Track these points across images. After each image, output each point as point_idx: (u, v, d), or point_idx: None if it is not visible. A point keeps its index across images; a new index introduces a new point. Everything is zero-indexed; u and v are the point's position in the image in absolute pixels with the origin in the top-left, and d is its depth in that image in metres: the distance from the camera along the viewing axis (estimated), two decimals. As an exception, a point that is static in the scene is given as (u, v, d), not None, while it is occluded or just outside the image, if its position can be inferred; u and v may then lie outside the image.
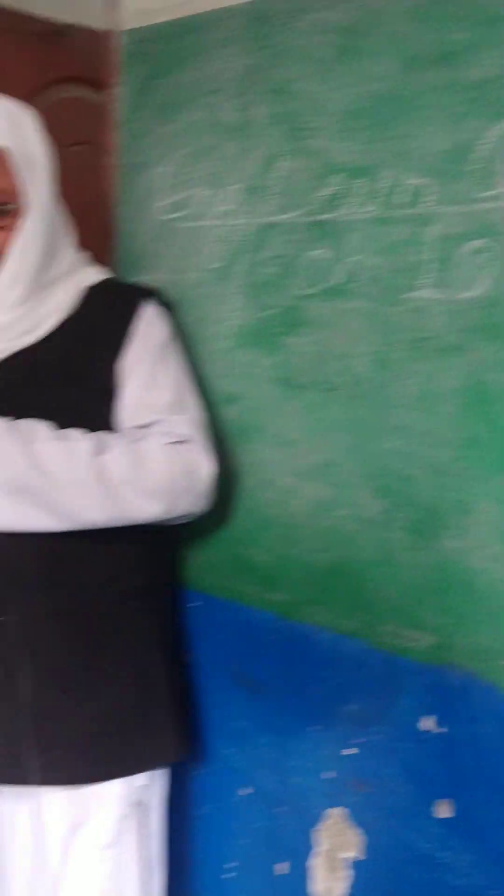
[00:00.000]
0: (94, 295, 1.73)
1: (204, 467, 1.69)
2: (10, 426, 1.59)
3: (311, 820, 1.76)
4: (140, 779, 1.71)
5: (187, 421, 1.70)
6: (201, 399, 1.77)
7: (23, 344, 1.67)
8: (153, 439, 1.66)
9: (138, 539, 1.70)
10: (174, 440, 1.67)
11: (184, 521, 1.72)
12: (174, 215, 1.90)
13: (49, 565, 1.64)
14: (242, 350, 1.80)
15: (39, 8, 2.98)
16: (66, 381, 1.66)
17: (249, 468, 1.80)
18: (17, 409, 1.62)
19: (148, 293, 1.77)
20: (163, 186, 1.91)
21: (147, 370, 1.70)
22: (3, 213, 1.65)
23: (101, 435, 1.64)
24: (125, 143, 1.98)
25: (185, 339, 1.84)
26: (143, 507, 1.63)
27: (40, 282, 1.67)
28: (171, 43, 1.88)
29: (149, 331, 1.72)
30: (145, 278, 1.92)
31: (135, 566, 1.72)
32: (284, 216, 1.72)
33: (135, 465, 1.62)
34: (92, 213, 1.95)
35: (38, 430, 1.60)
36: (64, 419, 1.63)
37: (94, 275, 1.76)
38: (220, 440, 1.83)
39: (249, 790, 1.85)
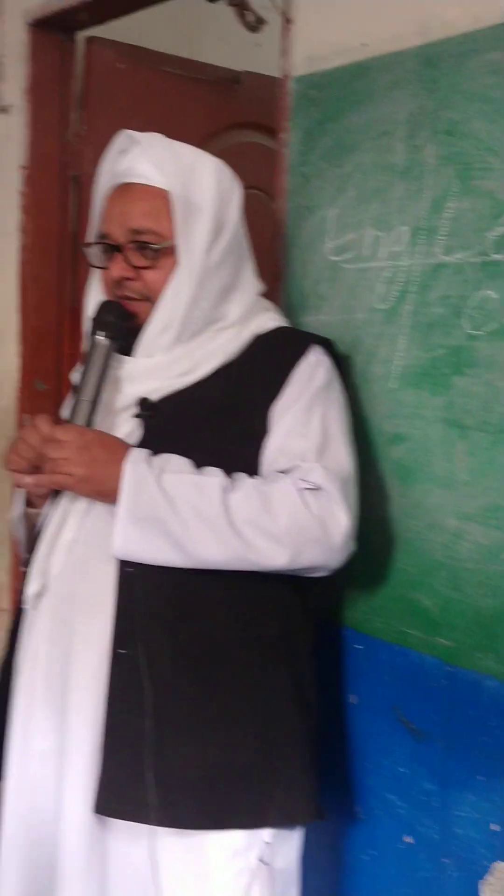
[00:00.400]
0: (262, 342, 1.72)
1: (337, 519, 1.59)
2: (146, 455, 1.61)
3: (477, 873, 1.71)
4: (264, 835, 1.63)
5: (324, 470, 1.61)
6: (352, 452, 1.68)
7: (180, 385, 1.68)
8: (285, 483, 1.59)
9: (276, 588, 1.65)
10: (307, 487, 1.59)
11: (319, 574, 1.64)
12: (342, 257, 1.91)
13: (179, 603, 1.62)
14: (409, 390, 1.78)
15: (214, 56, 3.06)
16: (217, 423, 1.66)
17: (415, 510, 1.78)
18: (166, 447, 1.63)
19: (316, 340, 1.73)
20: (331, 228, 1.93)
21: (296, 416, 1.65)
22: (153, 253, 1.67)
23: (236, 475, 1.61)
24: (294, 187, 2.00)
25: (352, 384, 1.83)
26: (266, 552, 1.57)
27: (197, 326, 1.68)
28: (340, 88, 1.90)
29: (307, 377, 1.67)
30: (313, 319, 1.94)
31: (270, 615, 1.66)
32: (453, 257, 1.71)
33: (261, 507, 1.57)
34: (262, 256, 1.97)
35: (172, 462, 1.60)
36: (210, 461, 1.62)
37: (270, 322, 1.75)
38: (385, 481, 1.81)
39: (411, 839, 1.81)
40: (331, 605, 1.91)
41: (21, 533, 1.86)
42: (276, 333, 1.74)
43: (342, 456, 1.65)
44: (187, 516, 1.56)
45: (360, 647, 1.88)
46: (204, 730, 1.61)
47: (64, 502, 1.69)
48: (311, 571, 1.62)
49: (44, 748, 1.69)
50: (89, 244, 1.75)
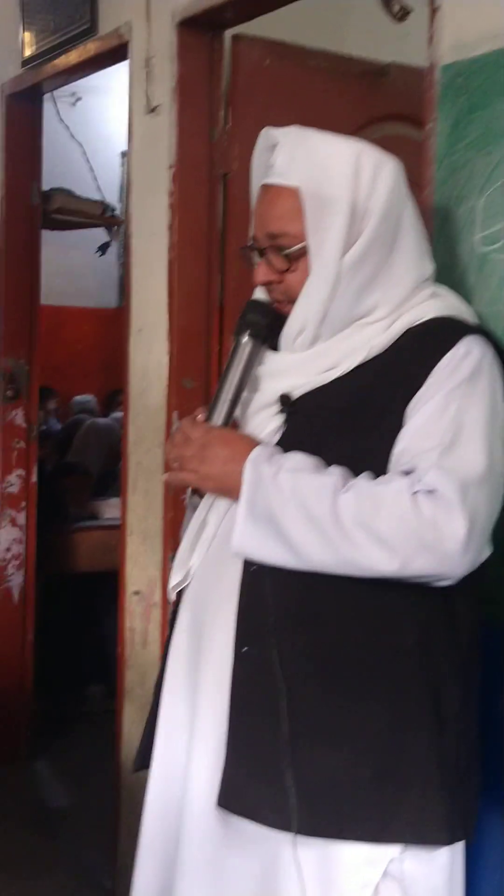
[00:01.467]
0: (413, 334, 1.63)
1: (452, 525, 1.47)
2: (268, 454, 1.58)
3: None
4: (393, 850, 1.58)
5: (440, 472, 1.49)
6: (492, 452, 1.53)
7: (322, 381, 1.65)
8: (399, 484, 1.50)
9: (412, 596, 1.56)
10: (422, 489, 1.49)
11: (442, 583, 1.53)
12: (492, 247, 1.87)
13: (305, 605, 1.59)
14: None
15: (360, 49, 3.04)
16: (352, 421, 1.61)
17: None
18: (303, 444, 1.61)
19: (470, 331, 1.61)
20: (480, 219, 1.89)
21: (429, 413, 1.55)
22: (287, 257, 1.64)
23: (349, 475, 1.55)
24: (442, 178, 1.97)
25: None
26: (373, 556, 1.49)
27: (337, 325, 1.64)
28: (488, 74, 1.85)
29: (450, 370, 1.56)
30: (461, 312, 1.90)
31: (404, 624, 1.58)
32: None
33: (371, 509, 1.49)
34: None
35: (292, 460, 1.57)
36: (342, 460, 1.57)
37: (428, 312, 1.65)
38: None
39: None
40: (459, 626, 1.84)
41: (186, 519, 1.88)
42: (428, 325, 1.63)
43: (472, 456, 1.51)
44: (297, 517, 1.53)
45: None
46: (331, 736, 1.58)
47: (208, 498, 1.71)
48: (429, 580, 1.52)
49: (178, 740, 1.72)
50: (243, 248, 1.74)
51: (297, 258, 1.64)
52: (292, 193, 1.62)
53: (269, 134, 1.68)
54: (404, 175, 1.67)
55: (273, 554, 1.56)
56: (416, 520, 1.47)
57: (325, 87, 2.90)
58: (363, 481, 1.53)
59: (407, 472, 1.53)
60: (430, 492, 1.48)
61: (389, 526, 1.48)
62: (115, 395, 6.19)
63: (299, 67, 2.87)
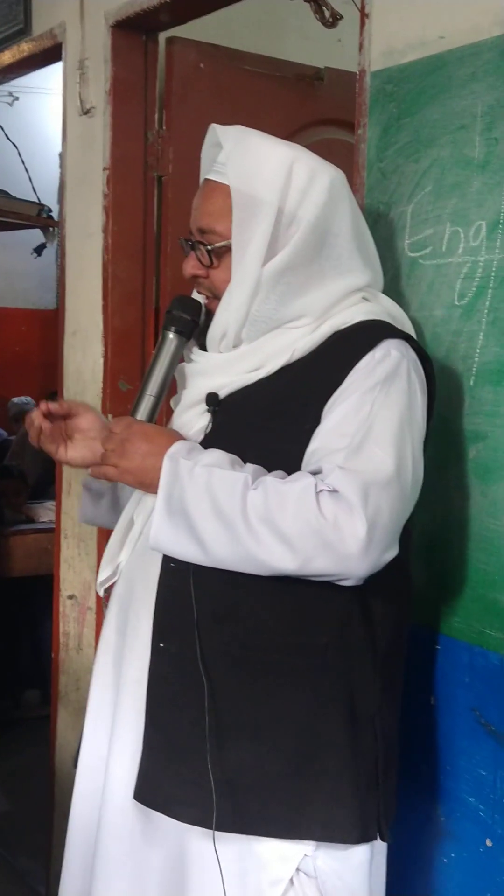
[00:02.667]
0: (339, 337, 1.63)
1: (352, 526, 1.47)
2: (187, 449, 1.59)
3: None
4: (306, 847, 1.60)
5: (343, 473, 1.49)
6: (400, 455, 1.53)
7: (247, 380, 1.66)
8: (305, 483, 1.50)
9: (328, 595, 1.57)
10: (327, 488, 1.49)
11: (347, 583, 1.53)
12: (420, 253, 1.89)
13: (222, 602, 1.60)
14: (488, 388, 1.76)
15: (296, 53, 3.05)
16: (272, 420, 1.62)
17: (494, 508, 1.75)
18: (227, 443, 1.62)
19: (392, 335, 1.61)
20: (409, 224, 1.90)
21: (342, 413, 1.55)
22: (210, 254, 1.64)
23: (262, 472, 1.56)
24: (372, 183, 1.98)
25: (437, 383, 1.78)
26: (275, 553, 1.49)
27: (261, 327, 1.64)
28: (417, 82, 1.87)
29: (366, 372, 1.57)
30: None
31: (320, 623, 1.59)
32: (533, 251, 1.67)
33: (276, 506, 1.49)
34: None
35: (210, 457, 1.58)
36: (261, 459, 1.58)
37: (357, 316, 1.64)
38: (464, 479, 1.79)
39: (491, 843, 1.78)
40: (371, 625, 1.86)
41: (84, 497, 1.93)
42: (355, 328, 1.63)
43: (380, 458, 1.52)
44: (207, 512, 1.53)
45: (439, 647, 1.86)
46: (245, 733, 1.59)
47: (136, 495, 1.72)
48: (331, 579, 1.52)
49: (103, 734, 1.75)
50: (181, 239, 1.73)
51: (220, 255, 1.65)
52: (225, 191, 1.63)
53: (212, 129, 1.69)
54: (344, 184, 1.67)
55: (185, 549, 1.56)
56: (318, 519, 1.48)
57: (260, 90, 2.91)
58: (272, 479, 1.53)
59: (315, 472, 1.53)
60: (333, 492, 1.49)
61: (292, 524, 1.49)
62: (53, 396, 6.12)
63: (234, 70, 2.87)
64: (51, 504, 4.64)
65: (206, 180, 1.68)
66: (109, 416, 2.84)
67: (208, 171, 1.68)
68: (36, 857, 3.28)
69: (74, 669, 3.02)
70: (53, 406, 1.77)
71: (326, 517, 1.47)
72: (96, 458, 1.72)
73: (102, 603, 2.84)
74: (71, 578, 3.04)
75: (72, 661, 3.04)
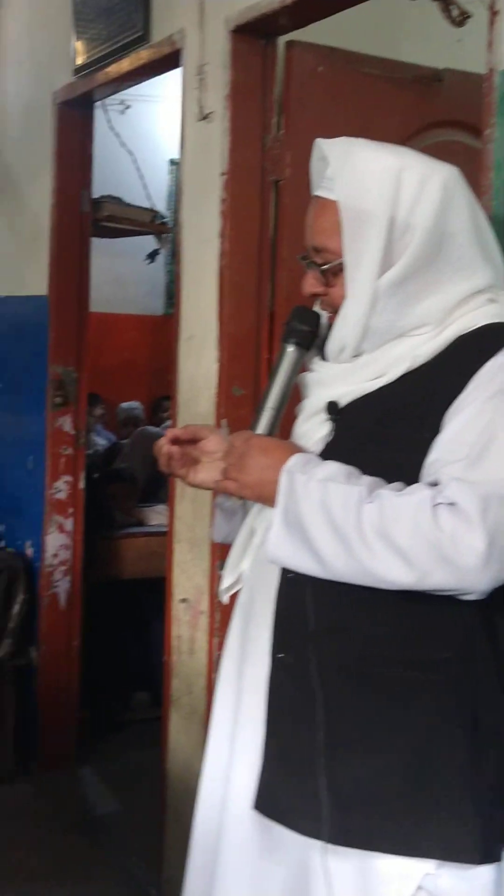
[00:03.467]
0: (462, 342, 1.58)
1: (470, 540, 1.43)
2: (304, 462, 1.58)
3: None
4: (428, 865, 1.55)
5: (461, 485, 1.45)
6: None
7: (368, 388, 1.63)
8: (422, 496, 1.47)
9: (450, 609, 1.53)
10: (445, 501, 1.46)
11: (468, 597, 1.49)
12: (550, 255, 1.83)
13: (339, 613, 1.59)
14: None
15: (415, 55, 3.02)
16: (390, 430, 1.59)
17: None
18: (346, 453, 1.60)
19: None
20: (538, 226, 1.86)
21: (464, 421, 1.51)
22: (324, 273, 1.63)
23: (380, 484, 1.53)
24: (500, 184, 1.94)
25: None
26: (391, 567, 1.47)
27: (379, 338, 1.61)
28: (549, 79, 1.83)
29: (487, 379, 1.52)
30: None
31: (441, 637, 1.56)
32: None
33: (392, 519, 1.47)
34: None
35: (325, 469, 1.56)
36: (378, 470, 1.55)
37: (481, 320, 1.59)
38: None
39: None
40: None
41: (217, 517, 1.91)
42: (479, 332, 1.58)
43: (498, 470, 1.47)
44: (323, 526, 1.52)
45: None
46: (365, 746, 1.57)
47: (257, 505, 1.72)
48: (450, 593, 1.49)
49: (225, 742, 1.75)
50: (299, 256, 1.72)
51: (335, 274, 1.62)
52: (334, 207, 1.60)
53: (319, 145, 1.66)
54: (462, 182, 1.62)
55: (302, 562, 1.56)
56: (435, 532, 1.45)
57: (379, 93, 2.88)
58: (388, 492, 1.51)
59: (434, 484, 1.50)
60: (451, 504, 1.46)
61: (408, 537, 1.46)
62: (161, 401, 6.19)
63: (353, 73, 2.85)
64: (161, 507, 4.69)
65: (316, 197, 1.65)
66: (224, 421, 2.85)
67: (317, 188, 1.66)
68: (147, 860, 3.30)
69: (186, 673, 3.03)
70: (180, 432, 1.81)
71: (444, 530, 1.44)
72: None
73: (215, 614, 2.85)
74: (183, 582, 3.05)
75: (184, 664, 3.04)
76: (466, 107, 2.72)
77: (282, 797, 1.62)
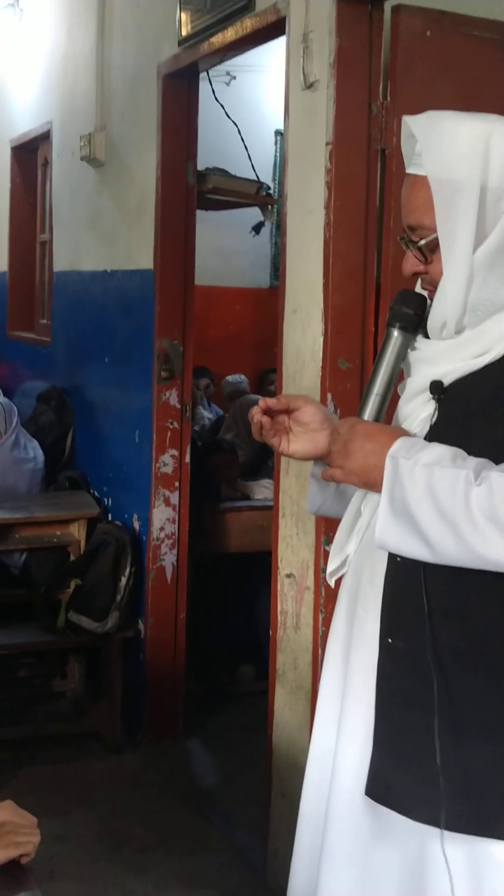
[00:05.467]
0: None
1: None
2: (409, 446, 1.56)
3: None
4: None
5: None
6: None
7: (474, 366, 1.60)
8: None
9: None
10: None
11: None
12: None
13: (451, 597, 1.57)
14: None
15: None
16: (499, 408, 1.56)
17: None
18: (453, 432, 1.58)
19: None
20: None
21: None
22: (421, 250, 1.60)
23: (488, 465, 1.51)
24: None
25: None
26: (501, 550, 1.46)
27: (482, 312, 1.58)
28: None
29: None
30: None
31: None
32: None
33: (502, 501, 1.45)
34: None
35: (431, 452, 1.54)
36: (486, 450, 1.53)
37: None
38: None
39: None
40: None
41: (311, 487, 1.89)
42: None
43: None
44: (431, 512, 1.50)
45: None
46: (481, 731, 1.55)
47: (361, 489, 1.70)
48: None
49: (332, 724, 1.74)
50: (399, 238, 1.70)
51: (433, 249, 1.60)
52: (426, 183, 1.58)
53: (406, 123, 1.64)
54: None
55: (411, 548, 1.55)
56: None
57: (488, 57, 2.80)
58: (497, 473, 1.48)
59: None
60: None
61: None
62: (266, 374, 6.18)
63: (461, 37, 2.77)
64: (266, 482, 4.68)
65: (408, 175, 1.64)
66: (329, 395, 2.81)
67: (409, 165, 1.64)
68: (253, 833, 3.31)
69: (292, 648, 3.02)
70: (272, 402, 1.78)
71: None
72: (318, 451, 1.75)
73: (320, 590, 2.83)
74: (289, 557, 3.04)
75: (289, 639, 3.04)
76: None
77: (394, 783, 1.60)
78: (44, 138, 5.55)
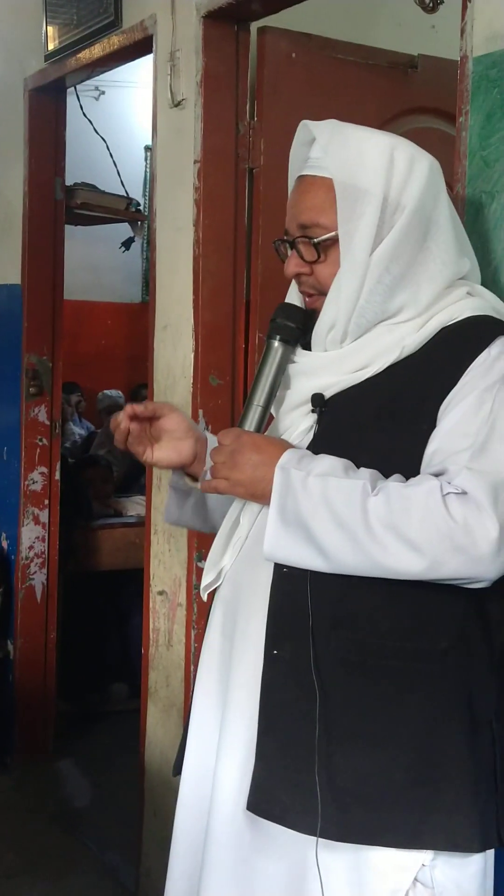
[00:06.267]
0: (447, 333, 1.61)
1: (484, 528, 1.45)
2: (298, 458, 1.57)
3: None
4: (423, 857, 1.55)
5: (471, 473, 1.47)
6: None
7: (354, 380, 1.63)
8: (430, 486, 1.48)
9: (447, 598, 1.54)
10: (452, 491, 1.47)
11: (477, 585, 1.51)
12: (525, 244, 1.82)
13: (337, 607, 1.57)
14: None
15: (389, 41, 2.99)
16: (384, 421, 1.59)
17: None
18: (336, 445, 1.59)
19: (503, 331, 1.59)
20: (513, 215, 1.84)
21: (461, 414, 1.53)
22: (318, 246, 1.63)
23: (379, 476, 1.53)
24: (474, 172, 1.92)
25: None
26: (403, 559, 1.47)
27: (368, 321, 1.62)
28: (523, 66, 1.81)
29: (483, 370, 1.54)
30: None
31: (439, 627, 1.56)
32: None
33: (401, 511, 1.47)
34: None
35: (322, 464, 1.55)
36: (375, 461, 1.56)
37: (465, 311, 1.62)
38: None
39: None
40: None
41: (170, 497, 1.88)
42: (463, 324, 1.61)
43: None
44: (327, 522, 1.51)
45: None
46: (364, 741, 1.56)
47: (239, 500, 1.70)
48: (461, 582, 1.50)
49: (208, 740, 1.72)
50: (275, 241, 1.72)
51: (326, 248, 1.63)
52: (326, 184, 1.62)
53: (306, 127, 1.67)
54: (440, 172, 1.65)
55: (304, 558, 1.55)
56: (447, 522, 1.46)
57: (353, 80, 2.86)
58: (393, 483, 1.51)
59: (438, 474, 1.51)
60: (461, 494, 1.47)
61: (420, 529, 1.47)
62: (139, 389, 6.17)
63: (327, 59, 2.82)
64: (139, 498, 4.66)
65: (302, 177, 1.66)
66: (200, 411, 2.82)
67: (302, 169, 1.66)
68: (124, 851, 3.28)
69: (164, 665, 3.01)
70: (139, 408, 1.76)
71: (456, 520, 1.46)
72: (182, 459, 1.76)
73: (192, 606, 2.83)
74: (161, 574, 3.03)
75: (162, 657, 3.02)
76: (441, 93, 2.70)
77: (277, 796, 1.59)
78: None
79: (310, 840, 1.57)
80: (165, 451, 1.78)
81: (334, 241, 1.62)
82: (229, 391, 2.87)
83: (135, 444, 1.77)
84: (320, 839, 1.55)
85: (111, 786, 3.83)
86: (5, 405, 4.16)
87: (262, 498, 1.59)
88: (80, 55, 3.44)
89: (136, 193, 5.71)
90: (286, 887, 1.62)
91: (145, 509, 3.15)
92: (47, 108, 3.91)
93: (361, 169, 1.59)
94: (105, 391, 6.39)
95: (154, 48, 2.95)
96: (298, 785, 1.57)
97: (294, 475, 1.55)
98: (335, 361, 1.65)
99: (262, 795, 1.59)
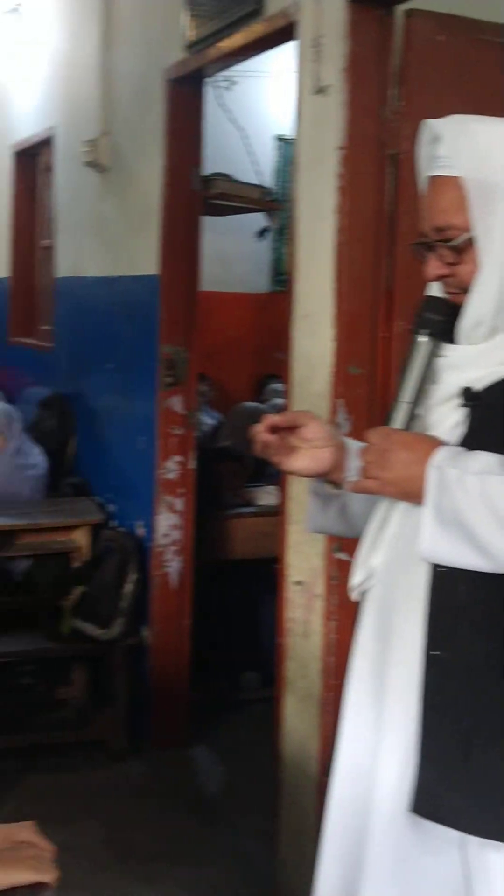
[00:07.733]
0: None
1: None
2: (451, 456, 1.54)
3: None
4: None
5: None
6: None
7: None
8: None
9: None
10: None
11: None
12: None
13: (495, 606, 1.55)
14: None
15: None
16: None
17: None
18: (490, 439, 1.56)
19: None
20: None
21: None
22: (454, 249, 1.60)
23: None
24: None
25: None
26: None
27: None
28: None
29: None
30: None
31: None
32: None
33: None
34: None
35: (478, 461, 1.53)
36: None
37: None
38: None
39: None
40: None
41: (311, 505, 1.86)
42: None
43: None
44: (489, 520, 1.48)
45: None
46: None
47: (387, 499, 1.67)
48: None
49: (364, 740, 1.70)
50: (413, 244, 1.69)
51: (465, 250, 1.60)
52: (456, 184, 1.58)
53: (429, 126, 1.64)
54: None
55: (465, 558, 1.52)
56: None
57: (501, 62, 2.78)
58: None
59: None
60: None
61: None
62: (266, 380, 6.16)
63: (474, 42, 2.76)
64: (270, 488, 4.66)
65: (432, 178, 1.63)
66: (340, 401, 2.80)
67: (431, 169, 1.63)
68: (261, 841, 3.29)
69: (301, 656, 3.00)
70: (278, 419, 1.73)
71: None
72: (322, 467, 1.72)
73: (331, 597, 2.80)
74: (298, 564, 3.02)
75: (298, 647, 3.01)
76: None
77: (442, 797, 1.57)
78: (46, 143, 5.54)
79: (472, 840, 1.55)
80: (304, 460, 1.73)
81: (471, 241, 1.59)
82: (369, 381, 2.83)
83: (272, 454, 1.74)
84: (484, 839, 1.53)
85: (245, 774, 3.85)
86: (142, 395, 4.20)
87: (415, 497, 1.56)
88: (220, 44, 3.43)
89: (268, 183, 5.71)
90: (448, 887, 1.60)
91: (280, 499, 3.14)
92: (186, 99, 3.92)
93: (491, 164, 1.56)
94: (274, 384, 6.38)
95: (297, 35, 2.93)
96: (462, 785, 1.55)
97: (449, 474, 1.52)
98: (484, 354, 1.62)
99: (426, 796, 1.58)
